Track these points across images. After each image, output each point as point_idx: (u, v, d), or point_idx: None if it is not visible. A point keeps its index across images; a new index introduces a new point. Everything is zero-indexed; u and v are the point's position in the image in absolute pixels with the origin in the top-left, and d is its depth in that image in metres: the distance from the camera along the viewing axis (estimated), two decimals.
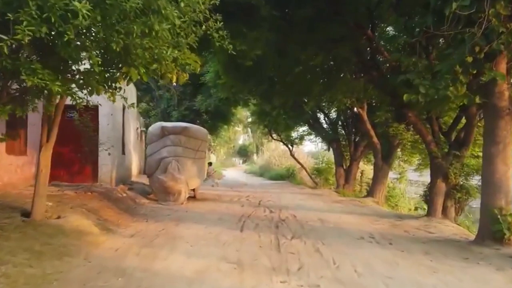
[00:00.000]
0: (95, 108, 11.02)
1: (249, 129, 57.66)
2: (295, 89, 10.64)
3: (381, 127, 12.63)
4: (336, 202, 11.97)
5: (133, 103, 5.87)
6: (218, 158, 53.34)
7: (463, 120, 8.63)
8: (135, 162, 16.69)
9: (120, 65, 5.65)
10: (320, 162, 21.71)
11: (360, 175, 17.34)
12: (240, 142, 64.78)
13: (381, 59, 8.89)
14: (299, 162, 21.84)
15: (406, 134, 11.29)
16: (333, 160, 21.37)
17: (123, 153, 13.83)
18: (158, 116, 20.43)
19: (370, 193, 12.99)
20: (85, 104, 5.71)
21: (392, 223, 7.92)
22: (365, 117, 12.15)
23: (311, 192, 15.66)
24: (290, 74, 9.09)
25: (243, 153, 61.55)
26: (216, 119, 22.15)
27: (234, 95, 14.61)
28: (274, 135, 22.80)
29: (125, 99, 5.47)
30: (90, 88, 5.91)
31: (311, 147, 38.39)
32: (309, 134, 21.36)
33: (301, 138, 22.29)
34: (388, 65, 8.33)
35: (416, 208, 12.83)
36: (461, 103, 7.63)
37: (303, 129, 21.82)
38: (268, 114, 20.03)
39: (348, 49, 7.68)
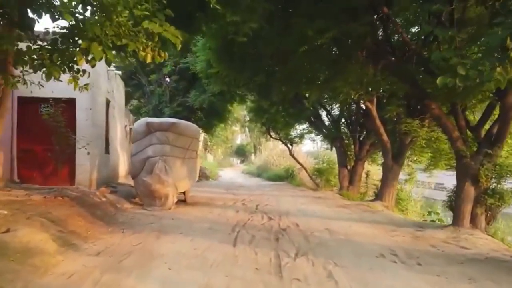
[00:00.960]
0: (72, 101, 9.84)
1: (246, 129, 56.65)
2: (297, 78, 9.34)
3: (391, 124, 11.42)
4: (342, 206, 10.76)
5: (86, 84, 4.64)
6: (216, 158, 52.12)
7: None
8: (122, 163, 15.43)
9: (77, 39, 4.48)
10: (321, 162, 20.46)
11: (366, 176, 16.10)
12: (238, 142, 63.83)
13: (400, 41, 7.64)
14: (299, 162, 20.59)
15: (420, 131, 10.07)
16: (334, 159, 20.19)
17: (107, 152, 12.60)
18: (150, 113, 19.19)
19: (379, 196, 11.76)
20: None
21: (413, 235, 6.70)
22: (375, 113, 10.90)
23: (312, 194, 14.47)
24: (292, 57, 7.78)
25: (241, 153, 60.61)
26: (211, 117, 20.89)
27: (228, 88, 13.22)
28: (273, 134, 21.54)
29: (76, 78, 4.23)
30: (45, 69, 4.75)
31: (309, 147, 37.29)
32: (310, 132, 20.12)
33: (301, 136, 21.02)
34: (412, 47, 7.06)
35: (429, 213, 11.62)
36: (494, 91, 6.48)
37: (303, 127, 20.61)
38: (266, 111, 18.81)
39: (363, 24, 6.40)
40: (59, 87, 9.66)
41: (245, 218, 8.51)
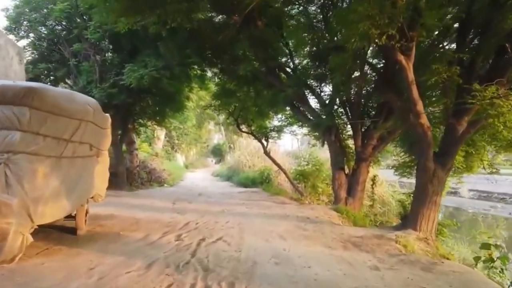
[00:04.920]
0: None
1: (221, 126, 51.90)
2: None
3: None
4: (353, 244, 6.02)
5: None
6: (188, 158, 47.26)
7: None
8: None
9: None
10: (305, 163, 15.82)
11: (372, 183, 11.36)
12: (216, 141, 59.59)
13: None
14: (276, 163, 15.77)
15: (504, 105, 5.26)
16: (321, 160, 15.54)
17: None
18: None
19: (410, 221, 7.00)
20: None
21: None
22: (411, 75, 6.00)
23: (297, 212, 9.64)
24: None
25: (217, 152, 56.13)
26: (163, 103, 15.82)
27: (143, 28, 7.64)
28: (243, 127, 16.67)
29: None
30: None
31: (287, 145, 32.63)
32: (291, 124, 15.36)
33: (279, 130, 16.24)
34: None
35: (489, 261, 6.90)
36: None
37: (280, 116, 15.91)
38: (233, 94, 14.06)
39: None
40: None
41: None
